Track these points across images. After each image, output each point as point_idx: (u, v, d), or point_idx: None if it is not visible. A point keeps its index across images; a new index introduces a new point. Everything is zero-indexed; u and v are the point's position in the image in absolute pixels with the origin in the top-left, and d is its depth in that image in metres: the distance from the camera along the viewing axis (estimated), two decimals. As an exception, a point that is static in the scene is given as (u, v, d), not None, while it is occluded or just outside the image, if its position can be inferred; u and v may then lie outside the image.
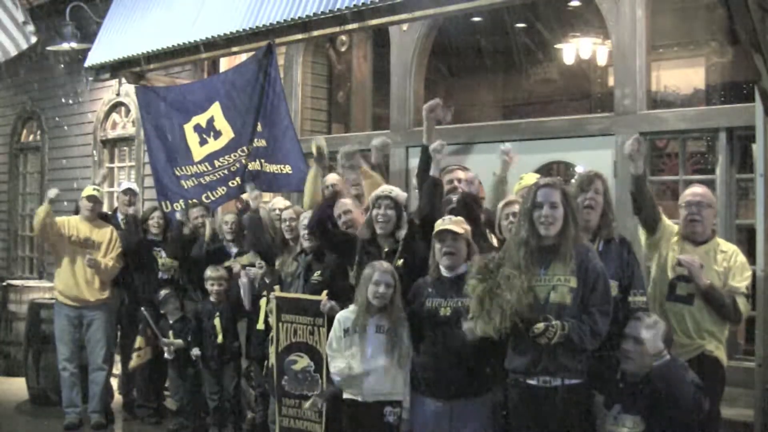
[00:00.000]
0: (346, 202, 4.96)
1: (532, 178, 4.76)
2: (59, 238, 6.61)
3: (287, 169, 6.24)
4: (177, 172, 6.85)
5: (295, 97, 7.62)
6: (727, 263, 4.25)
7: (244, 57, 6.79)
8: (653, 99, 5.88)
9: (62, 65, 9.82)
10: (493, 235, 4.66)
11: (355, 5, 5.61)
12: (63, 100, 10.08)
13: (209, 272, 6.15)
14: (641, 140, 4.28)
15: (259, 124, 6.35)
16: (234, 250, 6.34)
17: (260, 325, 5.59)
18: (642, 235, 4.44)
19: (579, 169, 5.74)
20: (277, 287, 5.21)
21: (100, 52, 7.89)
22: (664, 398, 3.71)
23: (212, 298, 6.16)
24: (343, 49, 7.92)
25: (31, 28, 8.21)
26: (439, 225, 4.18)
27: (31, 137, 10.96)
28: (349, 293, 4.62)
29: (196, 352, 6.12)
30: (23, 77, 10.68)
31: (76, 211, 6.87)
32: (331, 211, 4.95)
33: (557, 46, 8.44)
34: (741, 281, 4.21)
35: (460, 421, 4.10)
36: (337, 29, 5.99)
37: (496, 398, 4.07)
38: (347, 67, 8.04)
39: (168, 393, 6.84)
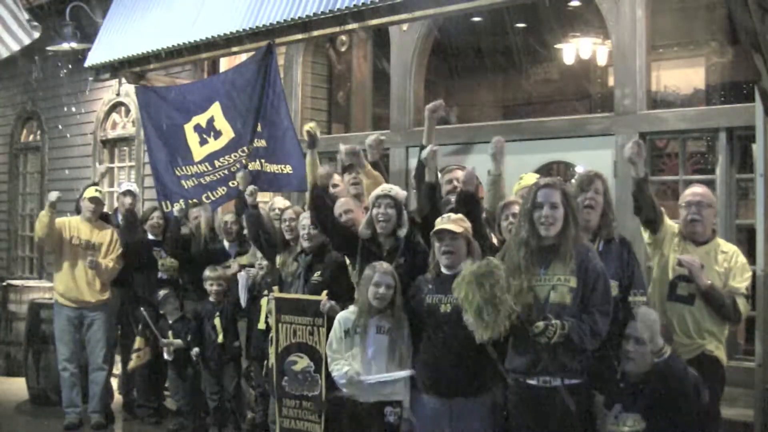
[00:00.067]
0: (346, 201, 4.96)
1: (532, 178, 4.75)
2: (59, 239, 6.61)
3: (288, 168, 6.24)
4: (177, 172, 6.85)
5: (295, 97, 7.62)
6: (728, 264, 4.25)
7: (244, 57, 6.78)
8: (653, 99, 5.87)
9: (62, 65, 9.82)
10: (493, 235, 4.65)
11: (355, 5, 5.61)
12: (63, 100, 10.07)
13: (208, 272, 6.16)
14: (641, 143, 4.27)
15: (259, 124, 6.35)
16: (234, 249, 6.35)
17: (261, 325, 5.59)
18: (645, 234, 4.44)
19: (579, 169, 5.74)
20: (276, 288, 5.21)
21: (100, 52, 7.89)
22: (666, 395, 3.72)
23: (211, 298, 6.17)
24: (343, 49, 7.92)
25: (34, 23, 8.22)
26: (438, 224, 4.18)
27: (31, 137, 10.96)
28: (350, 293, 4.62)
29: (196, 351, 6.12)
30: (23, 77, 10.68)
31: (77, 211, 6.88)
32: (327, 195, 4.95)
33: (557, 46, 8.44)
34: (741, 282, 4.22)
35: (459, 420, 4.09)
36: (337, 29, 5.99)
37: (496, 398, 4.07)
38: (347, 67, 8.04)
39: (168, 393, 6.84)
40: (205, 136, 6.70)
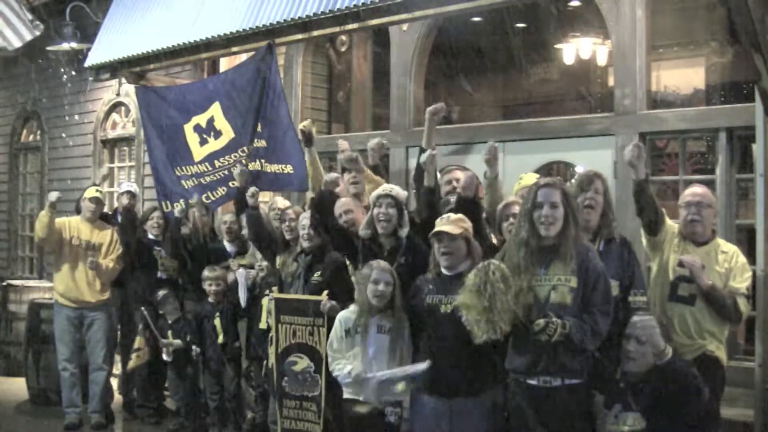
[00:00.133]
0: (346, 202, 4.97)
1: (531, 178, 4.75)
2: (60, 239, 6.61)
3: (288, 168, 6.24)
4: (177, 172, 6.85)
5: (295, 97, 7.62)
6: (728, 264, 4.25)
7: (244, 57, 6.78)
8: (653, 99, 5.87)
9: (62, 65, 9.82)
10: (493, 235, 4.66)
11: (355, 5, 5.61)
12: (63, 100, 10.07)
13: (207, 272, 6.16)
14: (641, 146, 4.26)
15: (259, 124, 6.35)
16: (234, 249, 6.35)
17: (263, 325, 5.59)
18: (643, 236, 4.44)
19: (579, 169, 5.74)
20: (275, 288, 5.21)
21: (100, 52, 7.89)
22: (668, 395, 3.72)
23: (210, 299, 6.17)
24: (343, 49, 7.92)
25: (36, 22, 8.23)
26: (437, 225, 4.18)
27: (31, 137, 10.95)
28: (350, 293, 4.62)
29: (196, 349, 6.12)
30: (23, 77, 10.68)
31: (78, 211, 6.88)
32: (331, 195, 4.97)
33: (557, 46, 8.44)
34: (741, 282, 4.22)
35: (459, 420, 4.09)
36: (337, 29, 5.98)
37: (496, 398, 4.07)
38: (347, 67, 8.04)
39: (168, 393, 6.84)
40: (205, 136, 6.69)
